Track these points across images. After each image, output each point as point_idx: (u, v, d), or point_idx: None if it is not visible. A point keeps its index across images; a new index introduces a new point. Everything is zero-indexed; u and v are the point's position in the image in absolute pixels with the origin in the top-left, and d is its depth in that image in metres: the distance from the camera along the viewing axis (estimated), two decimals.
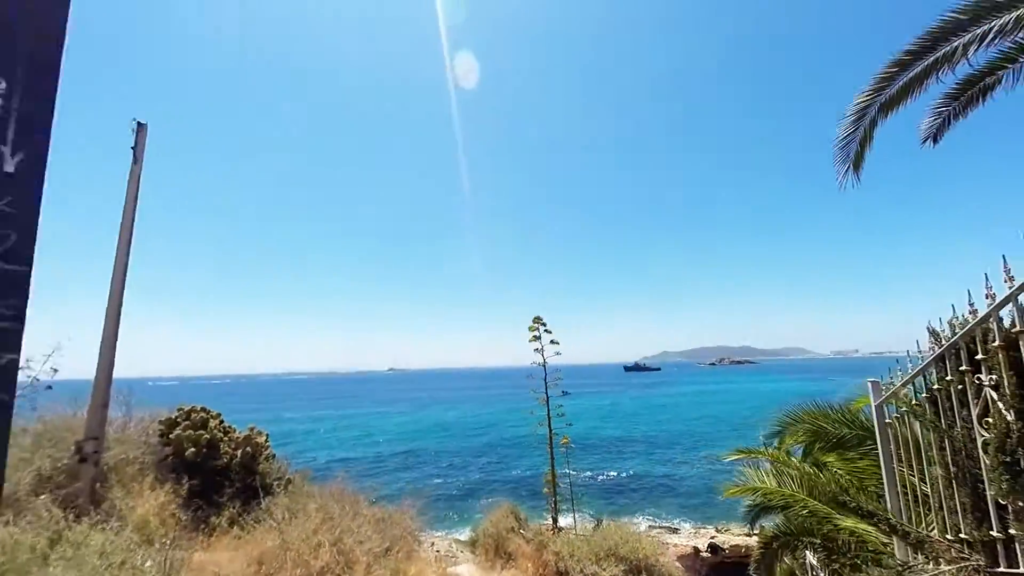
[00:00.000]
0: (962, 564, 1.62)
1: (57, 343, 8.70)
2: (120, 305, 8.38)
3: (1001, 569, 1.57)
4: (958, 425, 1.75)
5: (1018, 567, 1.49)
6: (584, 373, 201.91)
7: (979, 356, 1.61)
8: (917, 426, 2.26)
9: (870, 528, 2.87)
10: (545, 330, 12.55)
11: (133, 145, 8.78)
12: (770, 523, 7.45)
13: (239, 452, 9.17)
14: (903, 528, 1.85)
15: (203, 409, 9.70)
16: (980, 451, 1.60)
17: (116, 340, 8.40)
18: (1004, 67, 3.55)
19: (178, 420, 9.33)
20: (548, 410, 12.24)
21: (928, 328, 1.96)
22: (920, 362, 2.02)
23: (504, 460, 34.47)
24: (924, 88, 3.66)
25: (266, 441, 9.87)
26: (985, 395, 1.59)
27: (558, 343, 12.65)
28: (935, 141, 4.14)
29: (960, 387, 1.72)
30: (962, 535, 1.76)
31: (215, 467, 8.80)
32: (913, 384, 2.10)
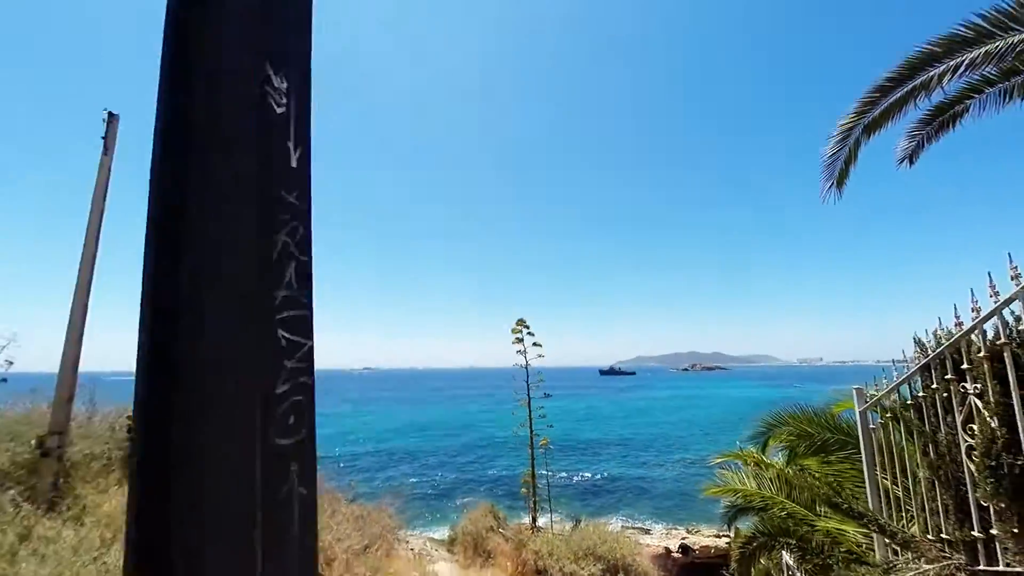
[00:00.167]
0: (945, 563, 1.72)
1: (12, 334, 8.28)
2: (87, 297, 8.03)
3: (981, 567, 1.68)
4: (942, 431, 1.86)
5: (997, 565, 1.60)
6: (559, 376, 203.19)
7: (964, 366, 1.72)
8: (898, 432, 2.39)
9: (849, 529, 3.02)
10: (528, 332, 12.62)
11: (104, 135, 8.44)
12: (745, 524, 7.68)
13: None
14: (891, 529, 1.95)
15: None
16: (964, 456, 1.71)
17: (83, 332, 8.04)
18: (972, 97, 3.83)
19: None
20: (530, 412, 12.30)
21: (914, 338, 2.09)
22: (905, 371, 2.14)
23: (479, 460, 34.41)
24: (903, 112, 3.91)
25: None
26: (970, 403, 1.70)
27: (540, 345, 12.74)
28: (911, 162, 4.40)
29: (945, 395, 1.83)
30: (943, 535, 1.87)
31: None
32: (899, 391, 2.23)
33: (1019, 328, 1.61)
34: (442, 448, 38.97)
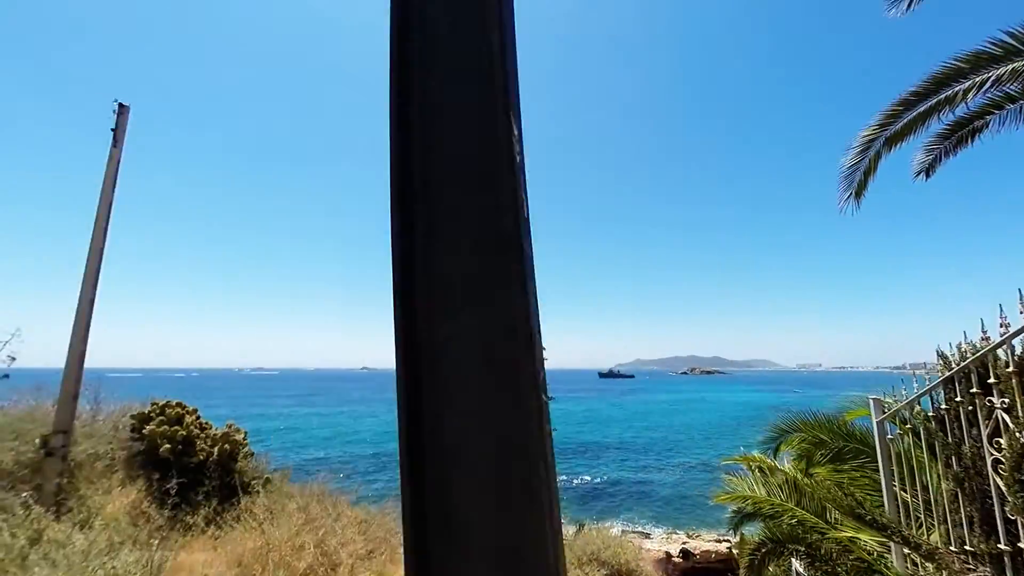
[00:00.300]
0: (970, 575, 1.74)
1: (16, 329, 8.26)
2: (94, 293, 8.03)
3: None
4: (967, 444, 1.88)
5: None
6: (558, 378, 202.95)
7: (991, 380, 1.74)
8: (917, 445, 2.40)
9: (863, 537, 3.03)
10: None
11: (114, 127, 8.45)
12: (750, 530, 7.68)
13: (216, 450, 8.88)
14: (915, 540, 1.97)
15: (179, 404, 9.35)
16: (990, 469, 1.73)
17: (88, 329, 8.04)
18: (992, 112, 3.85)
19: (151, 415, 8.97)
20: None
21: (937, 352, 2.11)
22: (926, 383, 2.16)
23: None
24: (927, 126, 3.94)
25: (244, 439, 9.58)
26: (997, 417, 1.72)
27: (545, 348, 12.76)
28: (927, 176, 4.44)
29: (970, 408, 1.85)
30: (967, 547, 1.89)
31: (190, 464, 8.49)
32: (920, 402, 2.25)
33: None
34: None
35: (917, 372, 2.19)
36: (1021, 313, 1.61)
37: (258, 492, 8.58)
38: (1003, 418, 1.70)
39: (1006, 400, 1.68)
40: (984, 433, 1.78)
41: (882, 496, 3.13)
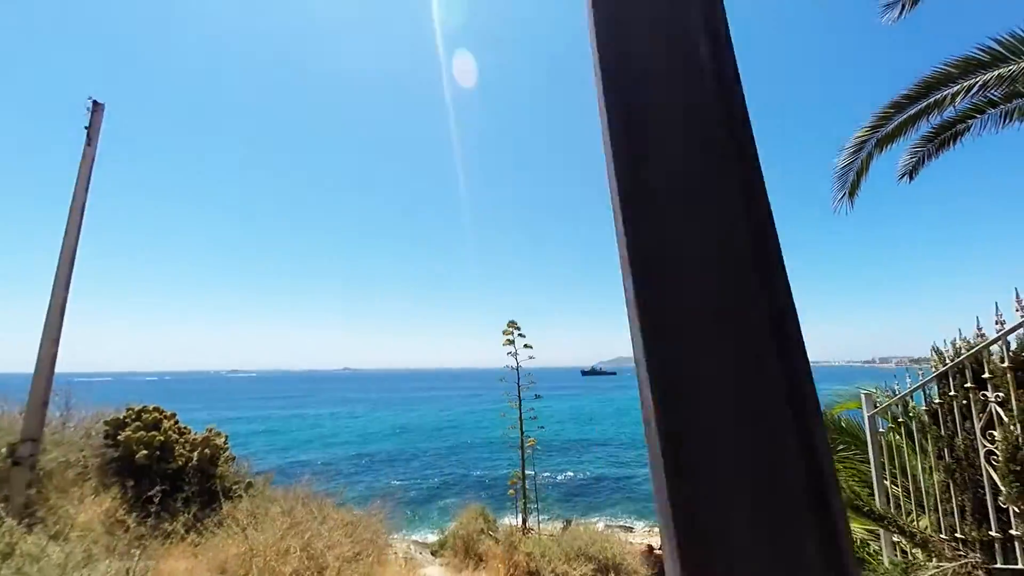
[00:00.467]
0: (962, 561, 1.81)
1: None
2: (66, 295, 7.70)
3: (999, 565, 1.77)
4: (959, 436, 1.95)
5: (1016, 563, 1.69)
6: (541, 376, 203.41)
7: (985, 375, 1.81)
8: (908, 438, 2.49)
9: (857, 527, 3.12)
10: (519, 334, 12.65)
11: (87, 125, 8.10)
12: None
13: (196, 455, 8.63)
14: (909, 529, 2.03)
15: (156, 409, 9.05)
16: (983, 460, 1.80)
17: (60, 333, 7.71)
18: (974, 116, 4.03)
19: (127, 420, 8.66)
20: (520, 413, 12.32)
21: (933, 348, 2.19)
22: (919, 378, 2.24)
23: (463, 463, 34.27)
24: (916, 128, 4.09)
25: (225, 443, 9.34)
26: (990, 410, 1.79)
27: (531, 347, 12.79)
28: (911, 178, 4.62)
29: (964, 402, 1.92)
30: (958, 535, 1.96)
31: (169, 470, 8.23)
32: (912, 397, 2.34)
33: None
34: (425, 451, 38.67)
35: (909, 366, 2.28)
36: (1017, 311, 1.68)
37: (240, 497, 8.37)
38: (997, 411, 1.77)
39: (1000, 394, 1.75)
40: (978, 426, 1.85)
41: (869, 487, 3.24)
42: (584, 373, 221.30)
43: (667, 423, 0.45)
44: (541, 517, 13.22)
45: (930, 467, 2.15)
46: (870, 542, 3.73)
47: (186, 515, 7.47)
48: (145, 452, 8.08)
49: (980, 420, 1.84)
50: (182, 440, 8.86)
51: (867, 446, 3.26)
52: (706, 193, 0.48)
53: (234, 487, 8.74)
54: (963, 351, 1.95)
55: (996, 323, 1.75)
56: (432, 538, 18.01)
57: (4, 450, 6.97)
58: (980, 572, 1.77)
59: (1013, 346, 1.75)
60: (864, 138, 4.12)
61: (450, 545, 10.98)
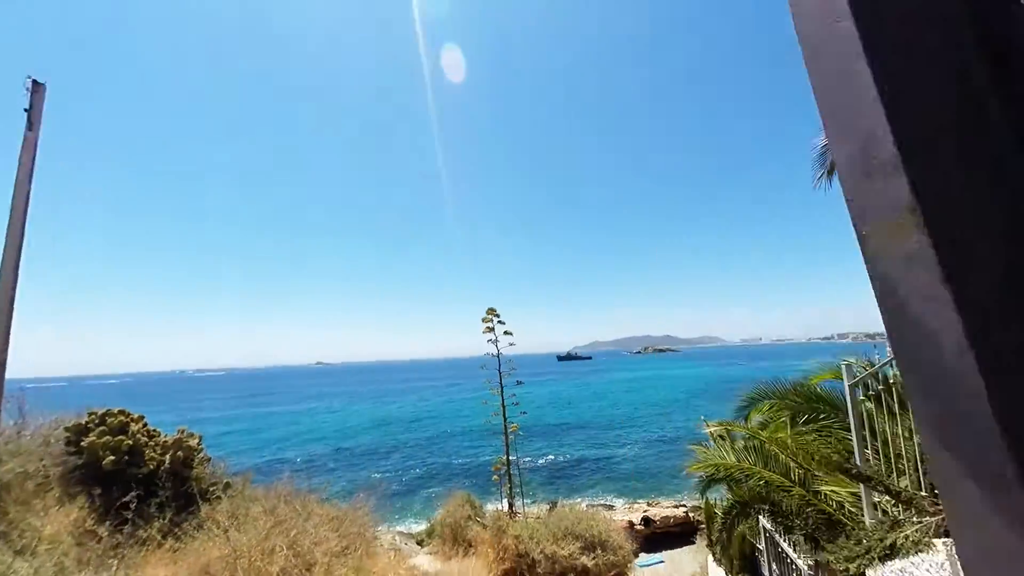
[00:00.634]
0: (944, 515, 1.92)
1: None
2: (13, 297, 7.19)
3: None
4: None
5: None
6: (521, 363, 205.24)
7: None
8: (880, 406, 2.62)
9: (842, 490, 3.29)
10: (499, 321, 12.63)
11: (28, 108, 7.49)
12: (716, 494, 8.19)
13: (168, 457, 8.29)
14: (895, 489, 2.15)
15: (121, 412, 8.61)
16: None
17: (9, 337, 7.21)
18: None
19: (89, 426, 8.22)
20: (502, 399, 12.38)
21: None
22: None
23: (445, 452, 34.37)
24: None
25: (199, 444, 9.00)
26: None
27: (511, 333, 12.81)
28: None
29: None
30: (937, 491, 2.09)
31: (139, 475, 7.88)
32: (892, 365, 2.46)
33: None
34: (405, 442, 38.53)
35: (864, 341, 2.37)
36: None
37: (219, 498, 8.12)
38: None
39: None
40: None
41: (847, 453, 3.41)
42: (560, 358, 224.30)
43: None
44: (525, 501, 13.42)
45: (909, 430, 2.27)
46: (845, 505, 3.95)
47: (161, 520, 7.21)
48: (112, 458, 7.70)
49: None
50: (152, 443, 8.49)
51: (844, 414, 3.42)
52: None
53: (211, 489, 8.46)
54: None
55: None
56: (417, 528, 18.07)
57: None
58: None
59: None
60: None
61: (438, 534, 11.00)
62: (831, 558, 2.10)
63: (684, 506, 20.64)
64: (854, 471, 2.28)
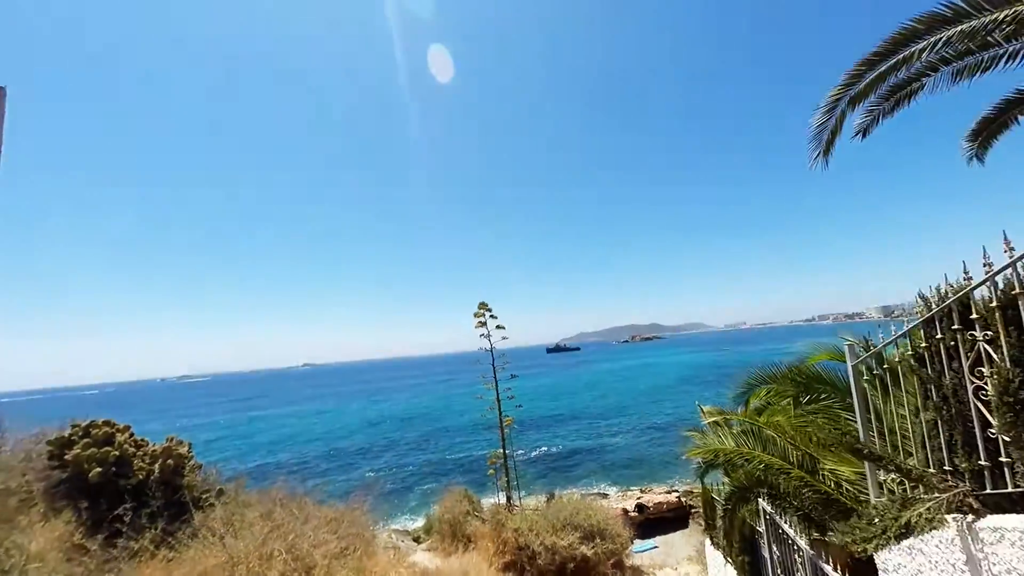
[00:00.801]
0: (955, 491, 1.94)
1: None
2: None
3: (988, 491, 1.91)
4: (947, 376, 2.08)
5: (1005, 488, 1.83)
6: (511, 356, 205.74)
7: (973, 316, 1.92)
8: (886, 385, 2.64)
9: (847, 470, 3.33)
10: (491, 315, 12.59)
11: None
12: (713, 479, 8.29)
13: (157, 466, 8.08)
14: (905, 467, 2.16)
15: (106, 423, 8.36)
16: (971, 396, 1.92)
17: None
18: (928, 75, 4.25)
19: (73, 438, 7.96)
20: (497, 393, 12.36)
21: (919, 294, 2.30)
22: (903, 326, 2.36)
23: (439, 448, 34.33)
24: (886, 85, 4.27)
25: (189, 451, 8.79)
26: (978, 348, 1.90)
27: (504, 327, 12.77)
28: (864, 135, 4.85)
29: (952, 343, 2.04)
30: (946, 467, 2.11)
31: (128, 486, 7.67)
32: (896, 344, 2.48)
33: None
34: (398, 440, 38.37)
35: (844, 320, 2.39)
36: (1005, 252, 1.77)
37: (212, 505, 7.95)
38: (986, 349, 1.88)
39: (989, 333, 1.86)
40: (966, 365, 1.97)
41: (854, 432, 3.45)
42: (549, 350, 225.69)
43: None
44: (522, 493, 13.47)
45: (917, 408, 2.28)
46: (843, 483, 4.02)
47: (154, 530, 7.04)
48: (99, 469, 7.48)
49: (968, 359, 1.95)
50: (140, 453, 8.27)
51: (844, 393, 3.45)
52: None
53: (204, 496, 8.28)
54: (949, 295, 2.05)
55: (984, 266, 1.84)
56: (413, 525, 18.05)
57: None
58: (971, 499, 1.90)
59: (1001, 287, 1.87)
60: (837, 96, 4.28)
61: (436, 530, 10.99)
62: (847, 539, 2.11)
63: (676, 492, 21.01)
64: (865, 451, 2.29)
